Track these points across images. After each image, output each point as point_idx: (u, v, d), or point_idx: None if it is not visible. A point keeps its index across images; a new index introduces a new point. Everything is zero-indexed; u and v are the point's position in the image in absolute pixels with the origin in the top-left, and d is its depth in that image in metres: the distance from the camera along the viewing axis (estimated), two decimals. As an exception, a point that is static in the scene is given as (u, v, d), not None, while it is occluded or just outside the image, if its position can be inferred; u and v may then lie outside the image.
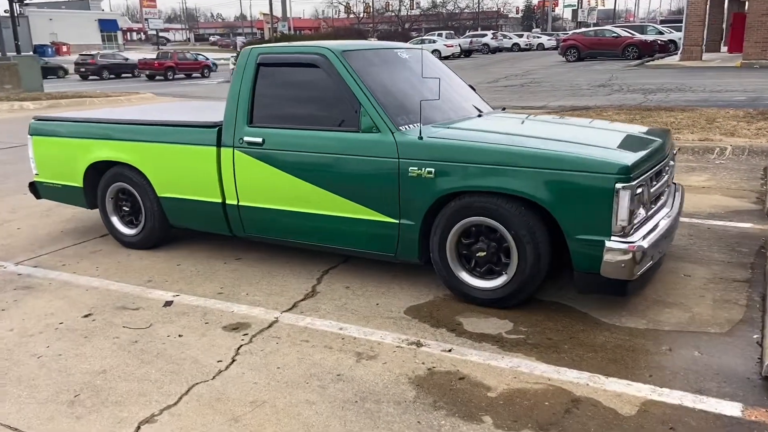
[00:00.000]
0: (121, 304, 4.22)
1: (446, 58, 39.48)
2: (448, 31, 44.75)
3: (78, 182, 5.43)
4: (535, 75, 24.74)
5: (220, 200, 4.75)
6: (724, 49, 31.10)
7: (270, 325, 3.81)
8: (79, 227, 6.09)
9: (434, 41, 40.80)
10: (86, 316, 4.06)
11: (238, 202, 4.66)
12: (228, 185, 4.67)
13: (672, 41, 33.47)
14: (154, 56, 36.27)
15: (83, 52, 39.40)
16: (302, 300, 4.17)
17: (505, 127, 4.42)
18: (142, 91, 23.01)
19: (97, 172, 5.39)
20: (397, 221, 4.04)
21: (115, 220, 5.42)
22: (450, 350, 3.42)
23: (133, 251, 5.30)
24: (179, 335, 3.74)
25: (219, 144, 4.64)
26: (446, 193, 3.82)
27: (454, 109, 4.64)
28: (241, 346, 3.58)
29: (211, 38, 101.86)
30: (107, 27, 76.30)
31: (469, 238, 3.89)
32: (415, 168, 3.89)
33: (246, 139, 4.50)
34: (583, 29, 33.04)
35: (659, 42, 32.38)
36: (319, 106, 4.31)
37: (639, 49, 30.91)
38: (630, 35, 32.08)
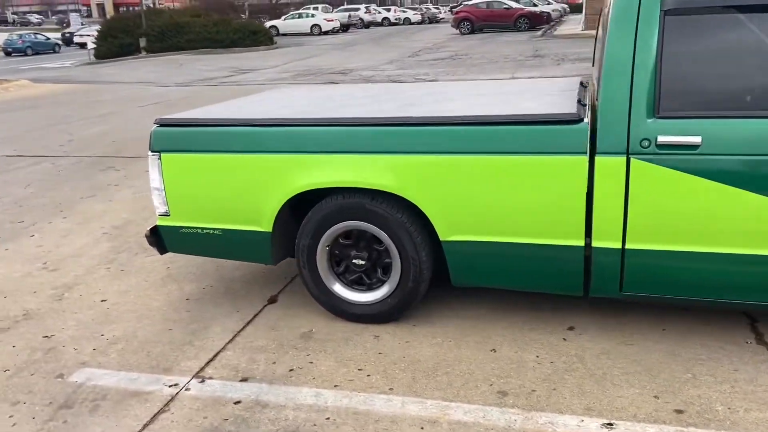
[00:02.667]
0: (546, 459, 2.28)
1: (326, 33, 37.26)
2: (323, 5, 42.25)
3: (263, 225, 3.24)
4: (449, 48, 23.64)
5: (581, 242, 2.87)
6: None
7: None
8: (206, 287, 3.83)
9: (313, 15, 38.33)
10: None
11: (624, 244, 2.81)
12: (604, 218, 2.80)
13: (546, 12, 33.30)
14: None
15: None
16: None
17: None
18: (12, 77, 18.94)
19: (292, 206, 3.26)
20: None
21: (335, 285, 3.30)
22: None
23: (379, 330, 3.24)
24: None
25: (592, 151, 2.76)
26: None
27: None
28: None
29: (29, 17, 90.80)
30: None
31: None
32: None
33: (662, 139, 2.66)
34: (474, 1, 32.28)
35: (544, 13, 32.56)
36: None
37: (530, 20, 30.96)
38: (520, 7, 31.93)
